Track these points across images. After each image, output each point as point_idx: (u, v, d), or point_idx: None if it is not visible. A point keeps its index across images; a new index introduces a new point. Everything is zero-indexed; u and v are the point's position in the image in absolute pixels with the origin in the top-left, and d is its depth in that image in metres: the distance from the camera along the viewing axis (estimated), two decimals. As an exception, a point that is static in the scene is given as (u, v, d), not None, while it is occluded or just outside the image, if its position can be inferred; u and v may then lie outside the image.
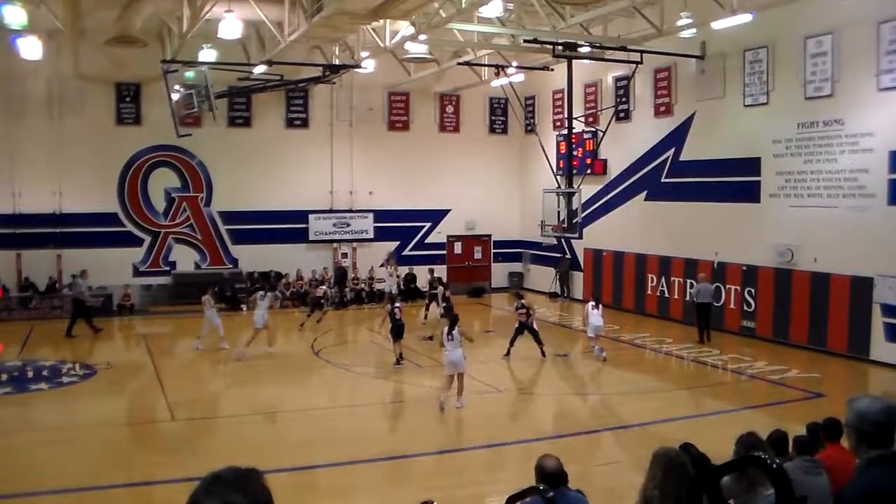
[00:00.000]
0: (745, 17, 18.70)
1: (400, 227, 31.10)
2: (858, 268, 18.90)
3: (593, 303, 20.14)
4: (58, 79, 26.20)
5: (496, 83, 28.06)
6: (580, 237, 25.29)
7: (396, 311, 19.34)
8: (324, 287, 26.54)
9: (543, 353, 19.66)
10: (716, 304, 22.22)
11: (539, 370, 19.21)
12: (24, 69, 24.98)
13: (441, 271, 29.98)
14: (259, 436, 13.83)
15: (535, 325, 19.86)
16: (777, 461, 3.43)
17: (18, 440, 13.39)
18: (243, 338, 20.54)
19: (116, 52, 25.20)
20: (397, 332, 19.11)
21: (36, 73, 25.59)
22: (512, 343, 19.77)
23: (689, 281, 23.87)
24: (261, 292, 21.07)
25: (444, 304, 21.94)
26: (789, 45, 20.52)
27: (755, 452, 5.63)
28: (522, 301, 20.31)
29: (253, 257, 28.90)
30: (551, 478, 6.08)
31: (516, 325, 19.86)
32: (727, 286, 22.65)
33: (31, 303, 25.75)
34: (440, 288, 23.98)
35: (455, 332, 15.22)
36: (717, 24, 19.63)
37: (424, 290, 27.66)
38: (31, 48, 22.85)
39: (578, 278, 29.60)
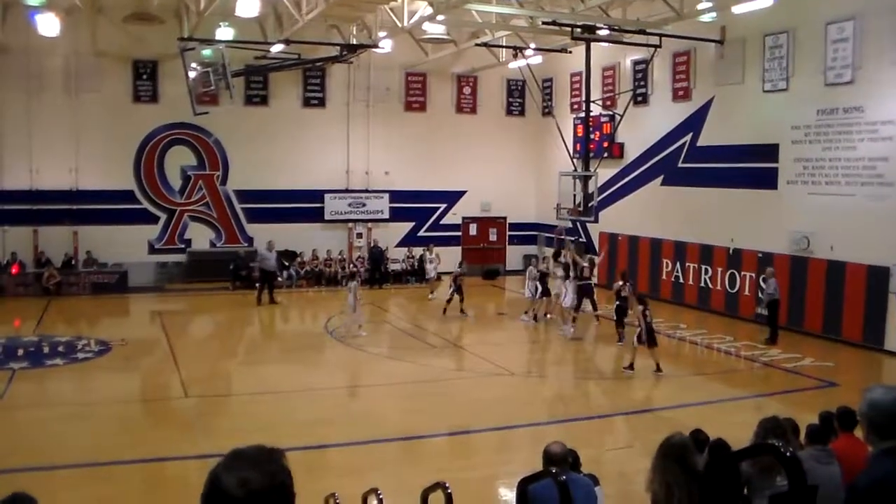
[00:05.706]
0: (767, 2, 18.53)
1: (415, 207, 31.09)
2: (875, 257, 18.75)
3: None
4: (75, 55, 26.18)
5: (514, 65, 27.92)
6: (596, 221, 25.17)
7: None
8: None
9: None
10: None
11: (551, 353, 19.20)
12: (41, 45, 24.91)
13: (455, 253, 29.97)
14: (271, 414, 13.89)
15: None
16: (791, 450, 3.42)
17: (34, 415, 13.54)
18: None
19: (134, 29, 25.24)
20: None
21: (54, 50, 25.55)
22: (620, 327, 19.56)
23: (703, 267, 23.82)
24: (531, 268, 22.64)
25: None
26: (810, 30, 20.28)
27: (772, 439, 5.64)
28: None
29: (268, 236, 28.90)
30: (557, 463, 6.12)
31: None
32: (742, 273, 22.54)
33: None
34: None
35: None
36: (737, 9, 19.45)
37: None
38: (49, 24, 22.90)
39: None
